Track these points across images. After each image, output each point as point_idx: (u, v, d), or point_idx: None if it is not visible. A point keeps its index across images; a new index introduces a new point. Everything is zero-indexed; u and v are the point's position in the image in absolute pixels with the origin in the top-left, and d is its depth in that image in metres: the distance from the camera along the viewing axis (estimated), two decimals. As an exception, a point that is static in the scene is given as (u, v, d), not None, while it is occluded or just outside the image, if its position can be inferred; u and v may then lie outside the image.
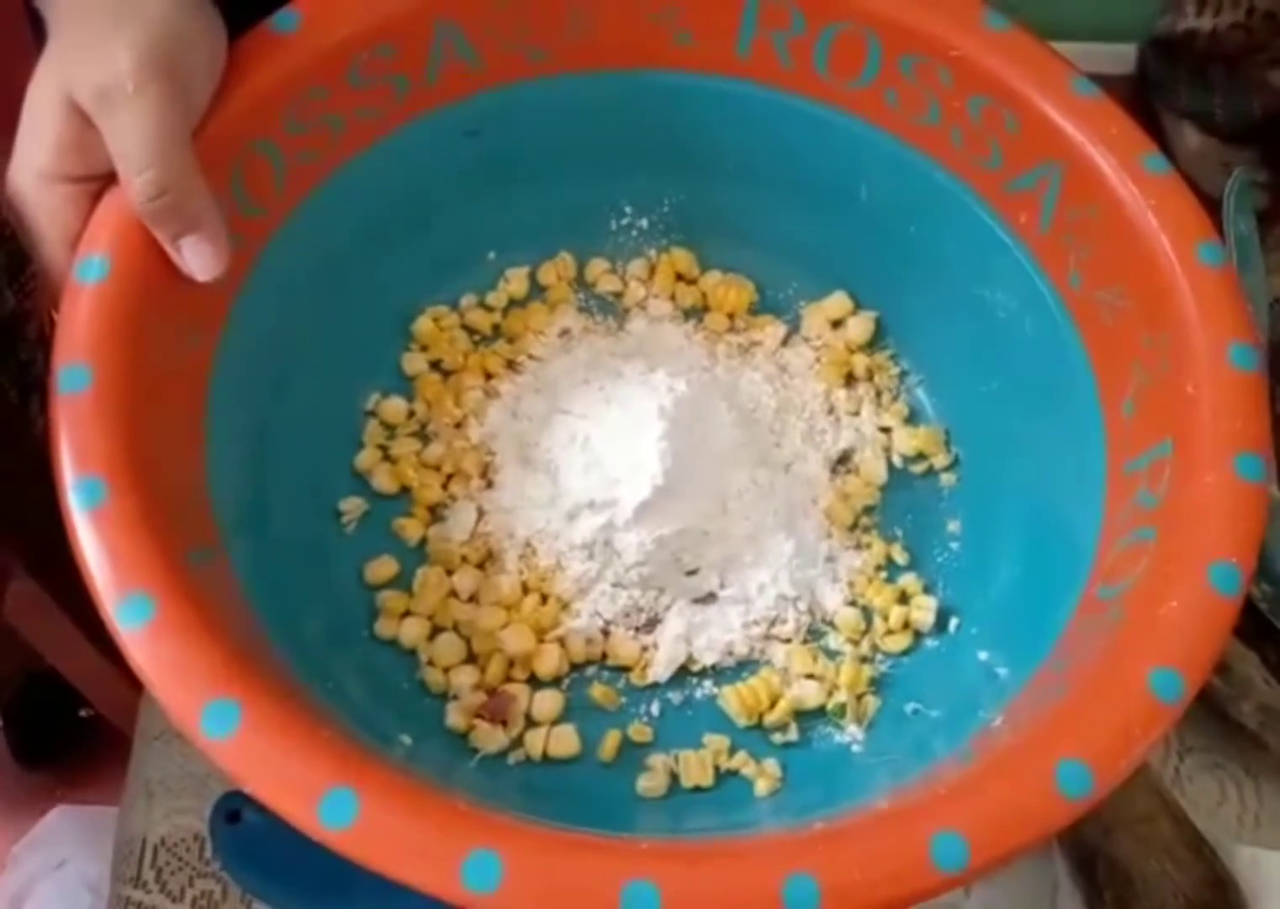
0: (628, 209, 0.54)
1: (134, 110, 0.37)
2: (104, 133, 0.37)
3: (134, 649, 0.32)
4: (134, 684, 0.68)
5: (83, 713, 1.04)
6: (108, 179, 0.38)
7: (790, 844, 0.32)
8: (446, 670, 0.45)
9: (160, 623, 0.33)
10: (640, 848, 0.32)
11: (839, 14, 0.46)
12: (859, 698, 0.45)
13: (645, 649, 0.46)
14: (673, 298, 0.54)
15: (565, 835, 0.32)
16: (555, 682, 0.45)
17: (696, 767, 0.43)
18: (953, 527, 0.49)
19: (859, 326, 0.52)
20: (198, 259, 0.38)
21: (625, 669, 0.46)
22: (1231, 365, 0.38)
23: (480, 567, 0.47)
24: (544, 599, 0.46)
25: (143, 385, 0.37)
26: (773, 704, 0.45)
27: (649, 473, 0.45)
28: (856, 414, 0.51)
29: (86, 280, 0.37)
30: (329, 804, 0.31)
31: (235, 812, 0.42)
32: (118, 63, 0.36)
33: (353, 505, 0.48)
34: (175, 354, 0.39)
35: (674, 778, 0.44)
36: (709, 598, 0.47)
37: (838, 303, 0.53)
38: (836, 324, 0.53)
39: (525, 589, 0.46)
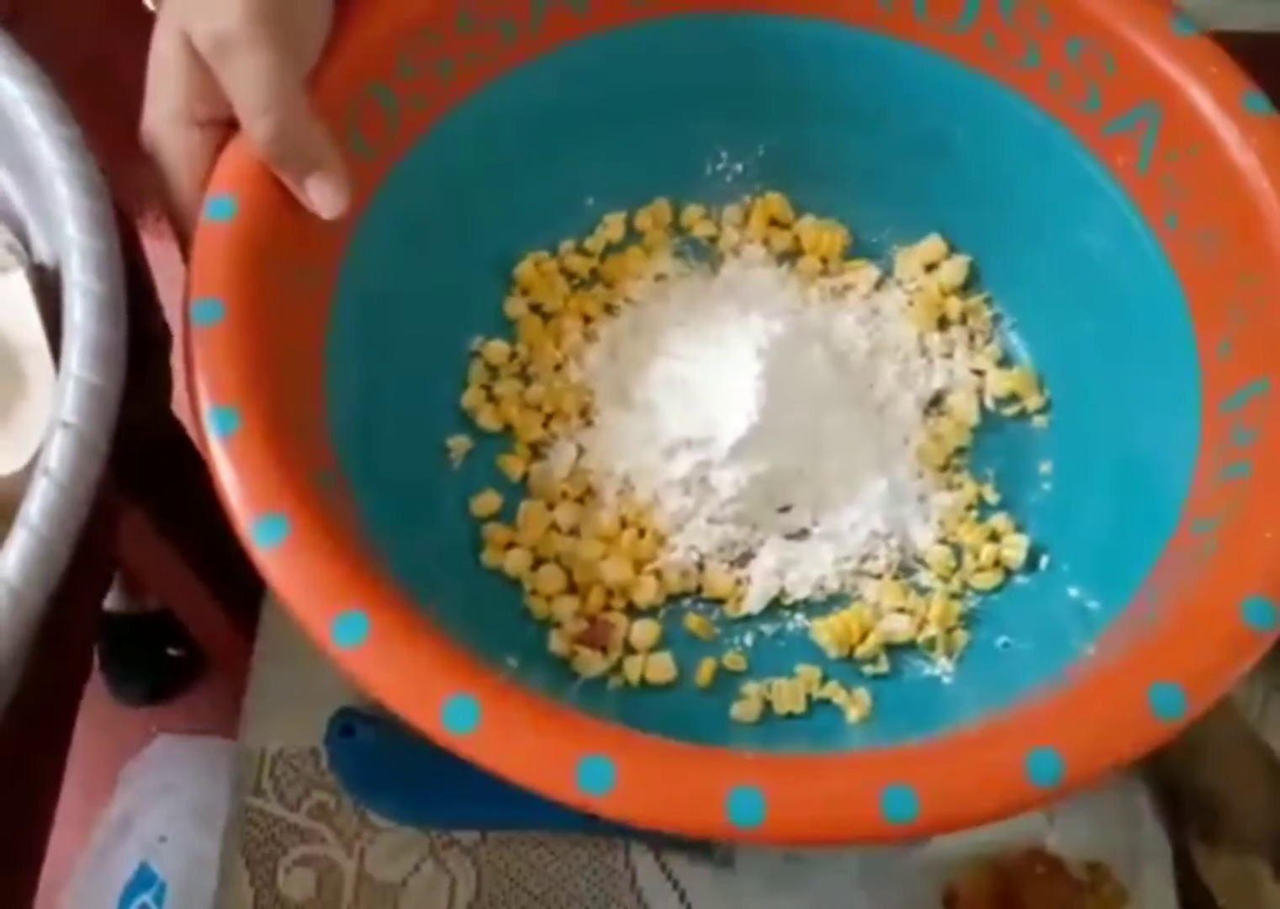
0: (723, 154, 0.55)
1: (248, 58, 0.38)
2: (222, 80, 0.39)
3: (270, 566, 0.34)
4: (236, 619, 0.71)
5: (172, 651, 1.09)
6: (232, 124, 0.40)
7: (890, 757, 0.34)
8: (549, 599, 0.47)
9: (294, 541, 0.35)
10: (745, 758, 0.34)
11: (938, -44, 0.46)
12: (949, 632, 0.46)
13: (739, 582, 0.48)
14: (767, 242, 0.55)
15: (673, 745, 0.34)
16: (652, 611, 0.47)
17: (789, 694, 0.45)
18: (1045, 468, 0.50)
19: (953, 270, 0.53)
20: (322, 197, 0.40)
21: (720, 601, 0.47)
22: (1330, 303, 0.39)
23: (580, 501, 0.49)
24: (641, 533, 0.48)
25: (271, 318, 0.39)
26: (863, 637, 0.46)
27: (745, 411, 0.46)
28: (949, 356, 0.52)
29: (217, 219, 0.39)
30: (452, 710, 0.32)
31: (349, 727, 0.44)
32: (231, 12, 0.38)
33: (458, 442, 0.50)
34: (299, 290, 0.41)
35: (767, 705, 0.45)
36: (801, 534, 0.48)
37: (932, 246, 0.53)
38: (930, 268, 0.53)
39: (623, 523, 0.48)
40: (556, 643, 0.45)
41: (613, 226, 0.54)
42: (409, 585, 0.40)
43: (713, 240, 0.55)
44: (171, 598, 0.76)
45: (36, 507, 0.32)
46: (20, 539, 0.31)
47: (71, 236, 0.35)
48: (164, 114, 0.40)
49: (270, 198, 0.40)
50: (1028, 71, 0.47)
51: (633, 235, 0.55)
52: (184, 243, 0.40)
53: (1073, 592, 0.45)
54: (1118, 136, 0.45)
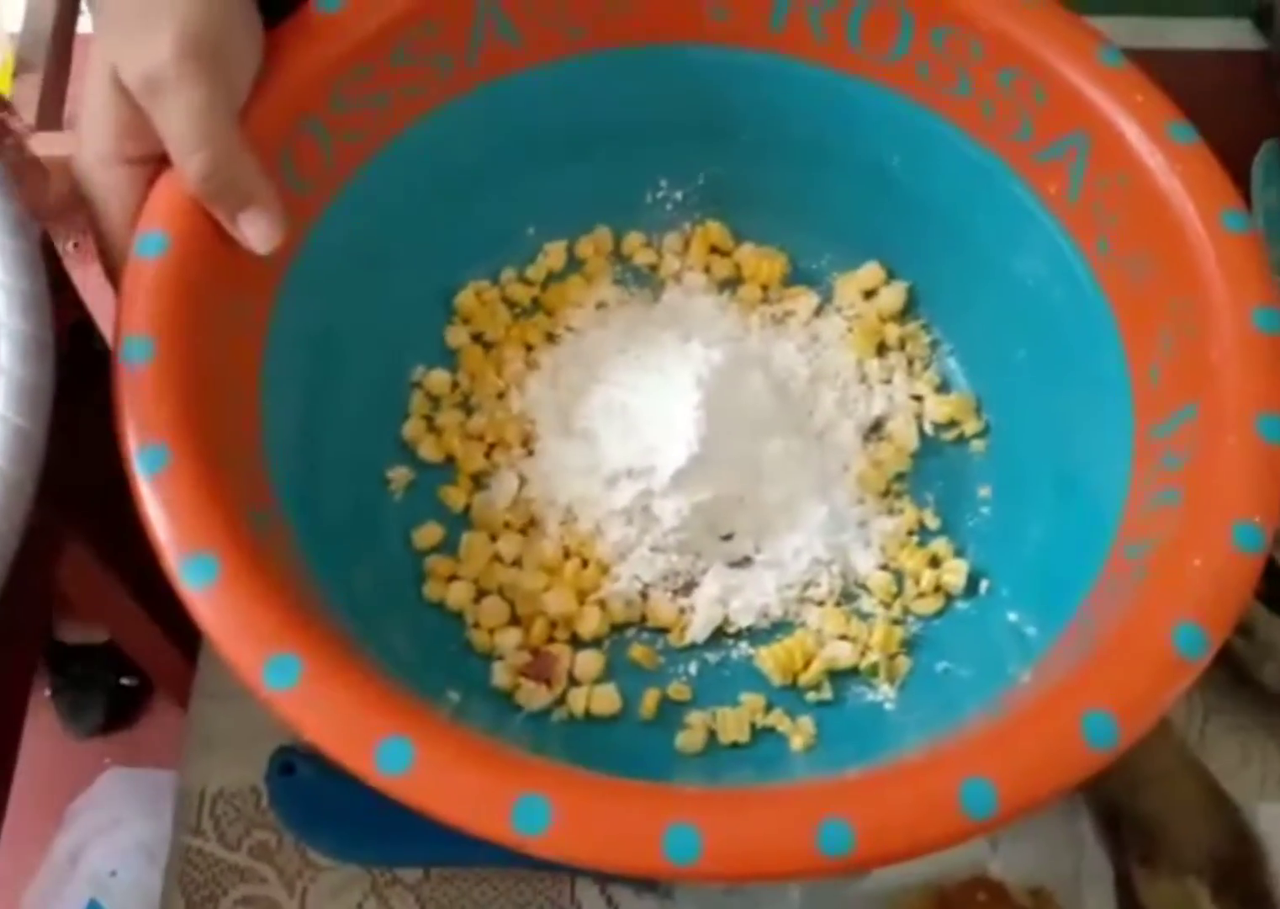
0: (663, 183, 0.55)
1: (179, 95, 0.38)
2: (153, 118, 0.39)
3: (199, 606, 0.34)
4: (183, 649, 0.70)
5: (125, 681, 1.08)
6: (164, 159, 0.40)
7: (825, 790, 0.34)
8: (492, 631, 0.46)
9: (224, 581, 0.34)
10: (682, 794, 0.34)
11: (870, -12, 0.47)
12: (891, 658, 0.46)
13: (683, 611, 0.48)
14: (707, 270, 0.55)
15: (610, 782, 0.33)
16: (596, 642, 0.47)
17: (733, 724, 0.45)
18: (984, 492, 0.50)
19: (891, 296, 0.53)
20: (256, 232, 0.40)
21: (664, 630, 0.47)
22: (1255, 329, 0.39)
23: (523, 532, 0.49)
24: (585, 563, 0.48)
25: (202, 355, 0.38)
26: (807, 664, 0.46)
27: (685, 440, 0.46)
28: (889, 382, 0.52)
29: (147, 255, 0.39)
30: (385, 752, 0.32)
31: (289, 765, 0.44)
32: (161, 50, 0.38)
33: (400, 474, 0.49)
34: (232, 325, 0.41)
35: (712, 735, 0.45)
36: (744, 562, 0.48)
37: (870, 273, 0.54)
38: (869, 294, 0.54)
39: (566, 553, 0.48)
40: (499, 676, 0.45)
41: (554, 255, 0.55)
42: (347, 622, 0.40)
43: (653, 268, 0.55)
44: (116, 628, 0.75)
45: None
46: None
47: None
48: (95, 152, 0.40)
49: (201, 233, 0.40)
50: (960, 100, 0.48)
51: (574, 263, 0.55)
52: (115, 279, 0.40)
53: (1012, 616, 0.45)
54: (1048, 165, 0.46)
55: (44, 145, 1.28)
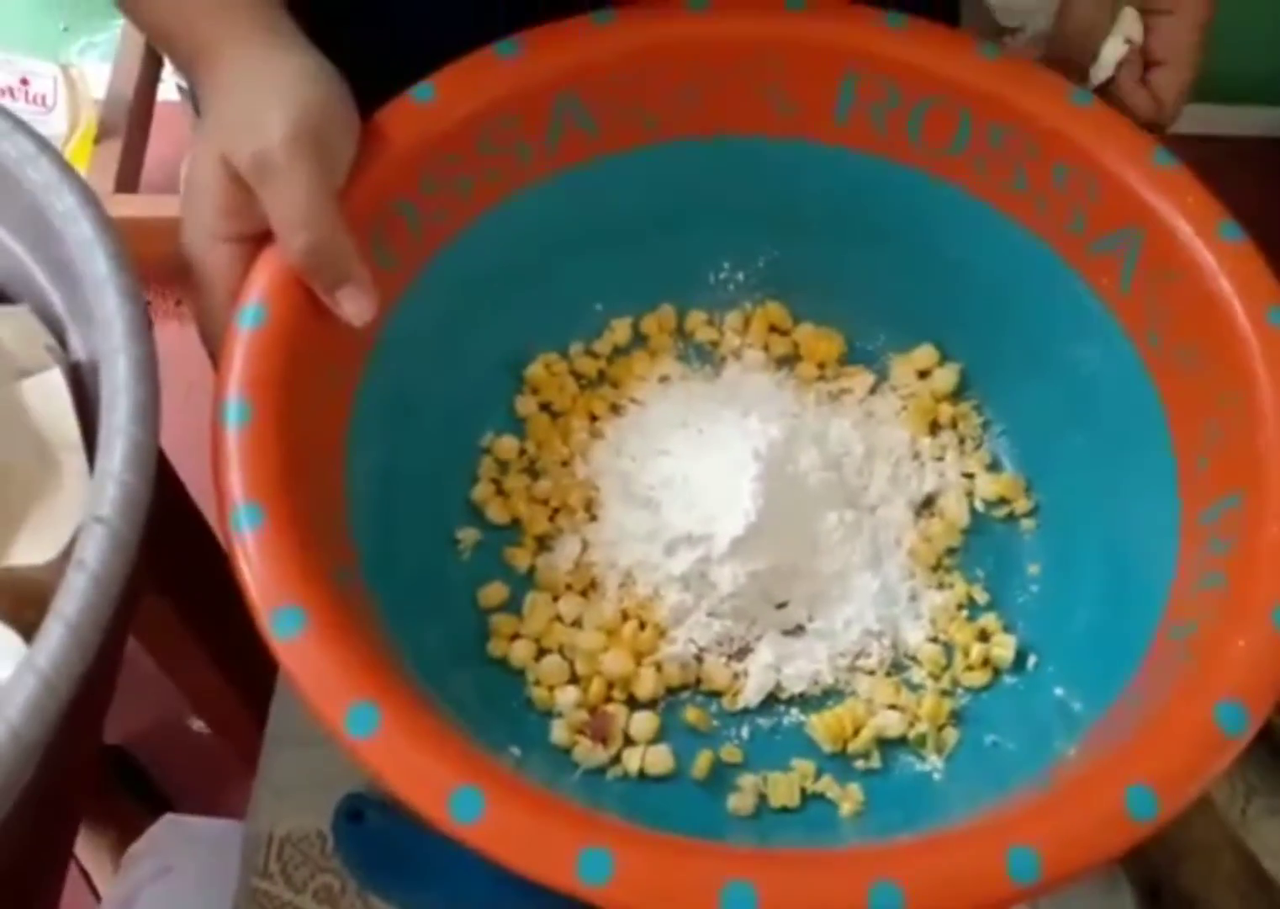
0: (725, 264, 0.57)
1: (287, 178, 0.41)
2: (262, 198, 0.42)
3: (286, 657, 0.36)
4: (246, 701, 0.72)
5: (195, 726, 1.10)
6: (265, 237, 0.43)
7: (877, 853, 0.35)
8: (552, 689, 0.48)
9: (311, 633, 0.36)
10: (740, 852, 0.35)
11: (933, 89, 0.49)
12: (939, 729, 0.48)
13: (737, 676, 0.49)
14: (766, 348, 0.57)
15: (671, 838, 0.35)
16: (652, 703, 0.48)
17: (784, 788, 0.46)
18: (1032, 569, 0.51)
19: (945, 377, 0.55)
20: (352, 306, 0.43)
21: (718, 694, 0.49)
22: (1300, 423, 0.41)
23: (584, 594, 0.51)
24: (642, 625, 0.49)
25: (295, 420, 0.41)
26: (856, 732, 0.48)
27: (744, 510, 0.48)
28: (941, 459, 0.54)
29: (247, 326, 0.42)
30: (458, 801, 0.34)
31: (357, 811, 0.46)
32: (271, 134, 0.41)
33: (468, 535, 0.52)
34: (322, 392, 0.44)
35: (762, 798, 0.46)
36: (797, 630, 0.50)
37: (925, 354, 0.56)
38: (923, 374, 0.56)
39: (625, 616, 0.50)
40: (558, 733, 0.47)
41: (620, 330, 0.57)
42: (419, 676, 0.42)
43: (714, 345, 0.57)
44: (182, 679, 0.77)
45: (72, 600, 0.33)
46: (54, 630, 0.33)
47: (118, 343, 0.37)
48: (200, 230, 0.43)
49: (298, 307, 0.43)
50: (1017, 194, 0.50)
51: (639, 339, 0.57)
52: (214, 352, 0.43)
53: (1058, 692, 0.46)
54: (1101, 256, 0.48)
55: (121, 207, 1.34)
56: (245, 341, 0.42)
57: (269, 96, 0.42)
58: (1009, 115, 0.48)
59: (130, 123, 1.41)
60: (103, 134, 1.39)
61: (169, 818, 0.90)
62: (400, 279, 0.48)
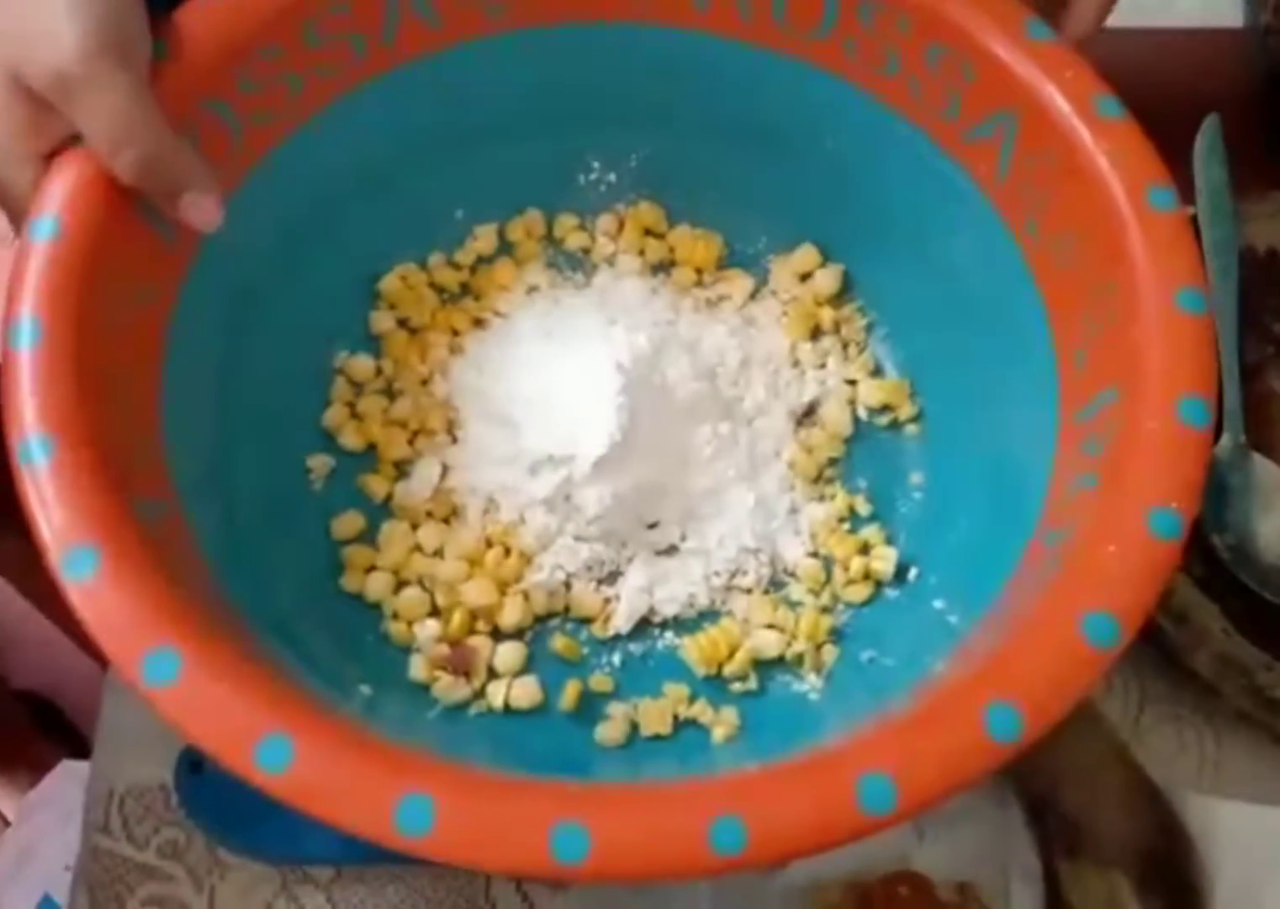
0: (595, 164, 0.54)
1: (98, 92, 0.37)
2: (72, 116, 0.38)
3: (79, 600, 0.33)
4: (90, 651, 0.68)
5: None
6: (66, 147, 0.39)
7: (719, 787, 0.33)
8: (410, 623, 0.45)
9: (104, 574, 0.33)
10: (571, 790, 0.33)
11: (795, -38, 0.45)
12: (818, 648, 0.45)
13: (607, 601, 0.47)
14: (641, 253, 0.54)
15: (496, 778, 0.33)
16: (518, 634, 0.46)
17: (655, 715, 0.44)
18: (916, 478, 0.49)
19: (826, 279, 0.52)
20: (199, 213, 0.40)
21: (587, 621, 0.47)
22: (1178, 309, 0.38)
23: (445, 521, 0.48)
24: (507, 552, 0.47)
25: (94, 339, 0.37)
26: (732, 654, 0.45)
27: (606, 428, 0.45)
28: (822, 367, 0.51)
29: (39, 239, 0.38)
30: (265, 750, 0.31)
31: (198, 762, 0.43)
32: (65, 47, 0.36)
33: (320, 462, 0.48)
34: (131, 311, 0.40)
35: (634, 726, 0.44)
36: (670, 550, 0.47)
37: (805, 255, 0.53)
38: (804, 277, 0.53)
39: (489, 543, 0.47)
40: (416, 669, 0.44)
41: (483, 238, 0.53)
42: (250, 616, 0.39)
43: (586, 251, 0.54)
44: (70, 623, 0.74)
45: None
46: None
47: None
48: (1, 153, 0.39)
49: (99, 216, 0.39)
50: (889, 79, 0.46)
51: (504, 247, 0.54)
52: None
53: (938, 604, 0.44)
54: (978, 143, 0.45)
55: None
56: (38, 255, 0.38)
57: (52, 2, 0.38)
58: (876, -10, 0.44)
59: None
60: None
61: (66, 764, 0.87)
62: (223, 187, 0.44)
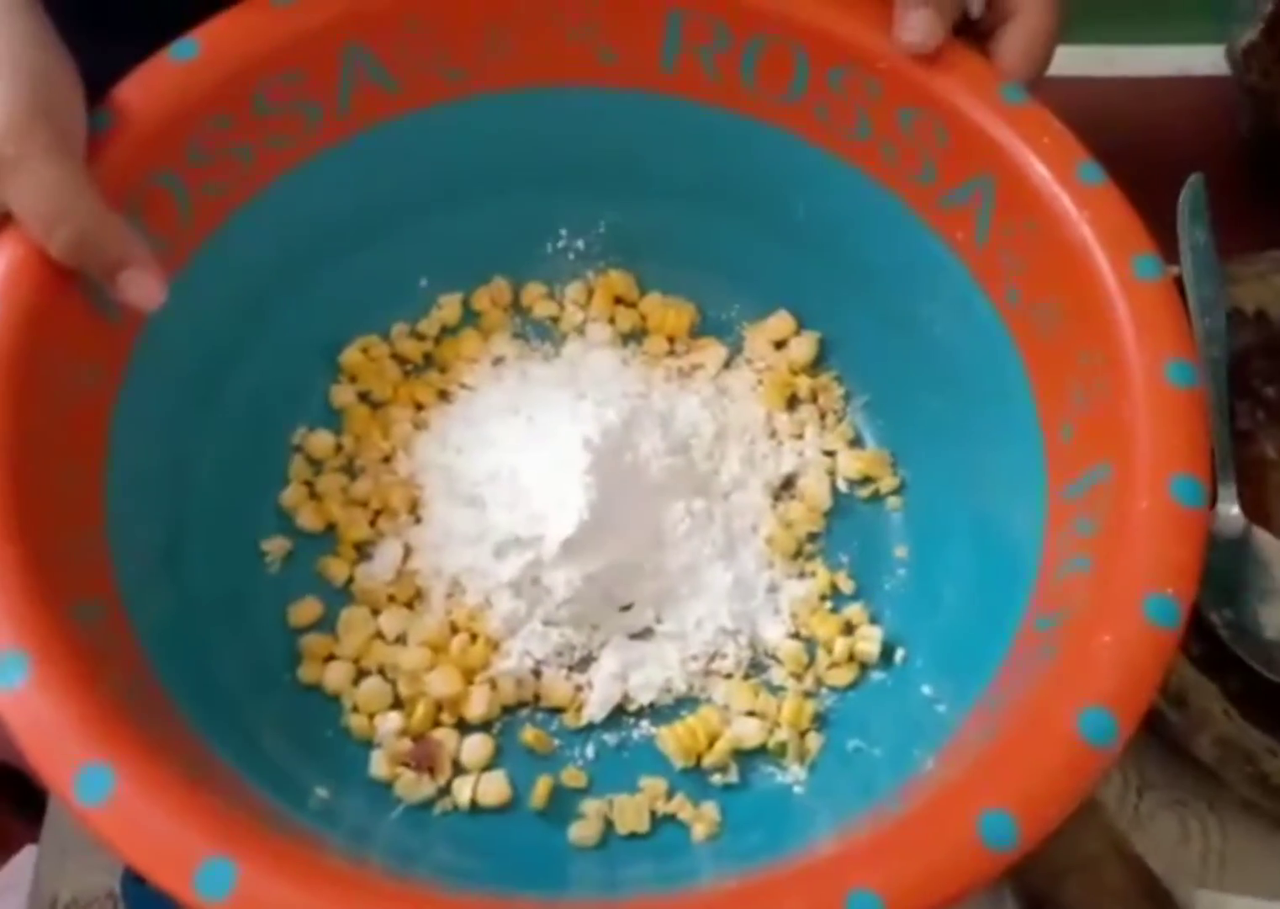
0: (563, 231, 0.52)
1: (29, 168, 0.35)
2: (2, 195, 0.36)
3: (7, 711, 0.31)
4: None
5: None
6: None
7: (703, 904, 0.31)
8: (371, 716, 0.43)
9: (34, 682, 0.31)
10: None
11: (763, 26, 0.44)
12: (801, 735, 0.43)
13: (579, 689, 0.44)
14: (611, 321, 0.52)
15: (462, 902, 0.30)
16: (485, 726, 0.44)
17: (632, 812, 0.42)
18: (900, 552, 0.47)
19: (801, 347, 0.51)
20: (139, 292, 0.38)
21: (558, 710, 0.44)
22: (1169, 383, 0.37)
23: (408, 606, 0.45)
24: (473, 638, 0.44)
25: (30, 426, 0.35)
26: (711, 744, 0.43)
27: (574, 507, 0.43)
28: (800, 437, 0.50)
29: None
30: (205, 874, 0.29)
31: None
32: None
33: (276, 545, 0.46)
34: (70, 393, 0.38)
35: (609, 825, 0.42)
36: (645, 633, 0.45)
37: (780, 322, 0.51)
38: (779, 345, 0.51)
39: (454, 629, 0.45)
40: (377, 766, 0.42)
41: (448, 308, 0.52)
42: (196, 719, 0.36)
43: (555, 320, 0.52)
44: None
45: None
46: None
47: None
48: None
49: (35, 295, 0.37)
50: (862, 143, 0.45)
51: (470, 316, 0.52)
52: None
53: (926, 690, 0.42)
54: (954, 209, 0.44)
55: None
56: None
57: None
58: (846, 53, 0.43)
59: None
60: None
61: (29, 849, 0.84)
62: (169, 263, 0.42)
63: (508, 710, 0.44)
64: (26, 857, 0.85)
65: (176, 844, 0.29)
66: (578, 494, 0.43)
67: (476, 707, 0.43)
